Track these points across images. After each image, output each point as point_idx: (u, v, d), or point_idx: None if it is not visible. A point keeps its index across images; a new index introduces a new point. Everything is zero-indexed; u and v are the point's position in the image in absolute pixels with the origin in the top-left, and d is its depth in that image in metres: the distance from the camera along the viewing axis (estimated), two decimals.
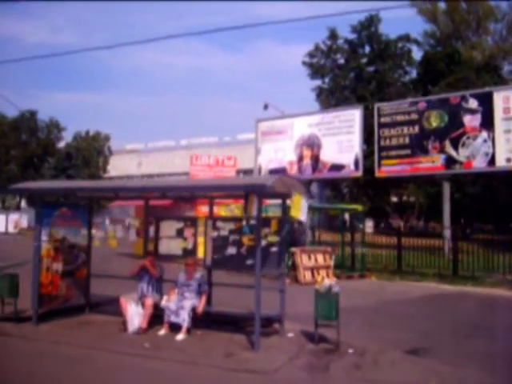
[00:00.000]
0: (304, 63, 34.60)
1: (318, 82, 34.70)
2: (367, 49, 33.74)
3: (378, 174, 23.84)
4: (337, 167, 24.61)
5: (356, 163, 24.16)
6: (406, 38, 34.03)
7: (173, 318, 9.02)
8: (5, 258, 18.70)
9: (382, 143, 23.69)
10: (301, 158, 25.80)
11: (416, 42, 35.33)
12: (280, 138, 26.36)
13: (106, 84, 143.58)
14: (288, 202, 9.10)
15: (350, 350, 8.35)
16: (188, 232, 9.75)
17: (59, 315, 10.05)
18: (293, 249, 16.59)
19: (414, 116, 23.03)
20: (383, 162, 23.60)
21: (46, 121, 50.87)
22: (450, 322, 11.06)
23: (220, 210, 20.53)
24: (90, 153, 48.70)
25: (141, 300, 9.45)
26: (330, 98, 32.55)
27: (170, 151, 75.12)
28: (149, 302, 9.27)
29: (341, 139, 24.58)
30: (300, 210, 8.67)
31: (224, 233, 9.43)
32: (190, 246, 9.75)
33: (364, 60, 33.86)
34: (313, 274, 16.12)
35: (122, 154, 65.77)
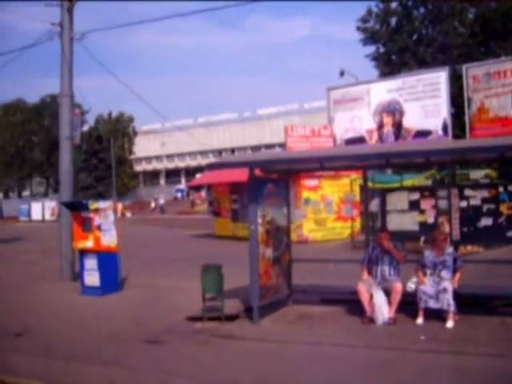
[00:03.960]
0: (358, 28, 33.00)
1: (371, 49, 33.29)
2: (421, 11, 32.08)
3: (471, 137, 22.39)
4: (423, 133, 23.04)
5: (445, 128, 22.66)
6: None
7: (432, 304, 7.69)
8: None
9: (474, 106, 22.21)
10: (381, 126, 24.23)
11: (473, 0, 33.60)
12: (355, 105, 24.73)
13: (107, 66, 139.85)
14: None
15: None
16: (426, 204, 8.32)
17: (264, 309, 8.70)
18: None
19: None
20: (476, 125, 22.15)
21: None
22: None
23: (325, 186, 19.16)
24: (114, 135, 46.84)
25: (381, 285, 8.09)
26: (385, 65, 30.98)
27: (188, 130, 73.33)
28: (398, 287, 7.91)
29: (426, 104, 23.00)
30: None
31: (475, 202, 8.04)
32: (430, 219, 8.32)
33: (420, 23, 32.19)
34: None
35: (140, 135, 63.98)
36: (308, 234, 18.79)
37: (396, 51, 31.94)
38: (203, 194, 61.69)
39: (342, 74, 25.64)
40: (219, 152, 76.64)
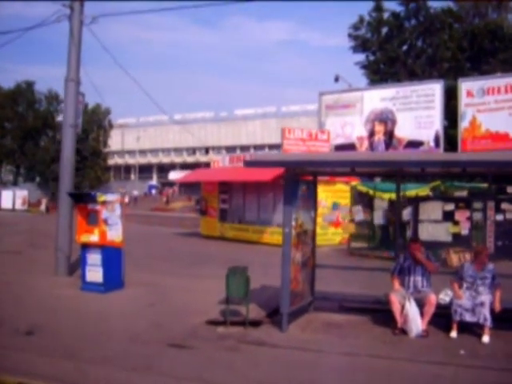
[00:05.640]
0: (349, 36, 33.07)
1: (360, 56, 33.42)
2: (413, 22, 32.32)
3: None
4: (414, 144, 23.19)
5: (436, 140, 22.87)
6: (449, 11, 32.86)
7: (468, 318, 7.54)
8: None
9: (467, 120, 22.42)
10: (372, 134, 24.27)
11: (459, 17, 34.09)
12: (347, 112, 24.73)
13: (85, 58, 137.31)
14: None
15: None
16: (460, 215, 8.16)
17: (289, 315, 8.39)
18: None
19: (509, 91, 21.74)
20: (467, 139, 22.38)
21: (44, 92, 47.43)
22: None
23: (320, 190, 18.85)
24: (90, 126, 45.64)
25: (413, 296, 7.88)
26: (374, 73, 31.16)
27: (163, 126, 72.37)
28: (433, 299, 7.73)
29: (419, 114, 23.18)
30: None
31: None
32: (464, 231, 8.16)
33: (411, 34, 32.41)
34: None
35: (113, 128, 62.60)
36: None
37: (386, 61, 32.11)
38: (176, 190, 60.99)
39: (336, 79, 25.62)
40: (193, 150, 75.98)
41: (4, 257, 15.30)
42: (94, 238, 10.56)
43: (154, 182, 69.29)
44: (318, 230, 19.17)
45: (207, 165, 60.83)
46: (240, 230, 20.65)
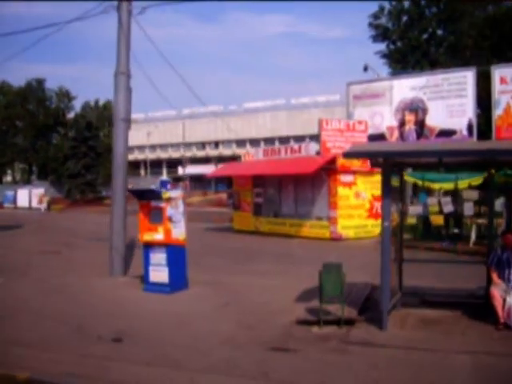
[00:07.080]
0: (370, 25, 32.60)
1: (381, 46, 33.00)
2: (433, 10, 31.84)
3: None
4: (446, 133, 22.77)
5: (469, 128, 22.45)
6: None
7: None
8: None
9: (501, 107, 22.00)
10: (402, 124, 23.86)
11: (482, 4, 33.53)
12: (376, 101, 24.28)
13: (83, 55, 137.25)
14: None
15: None
16: None
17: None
18: None
19: None
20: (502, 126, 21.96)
21: (55, 90, 46.89)
22: None
23: (359, 182, 18.55)
24: (101, 122, 45.24)
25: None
26: (397, 62, 30.76)
27: (172, 121, 71.94)
28: None
29: (451, 103, 22.74)
30: None
31: None
32: None
33: (431, 22, 31.94)
34: None
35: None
36: (342, 231, 18.22)
37: (407, 49, 31.64)
38: (187, 184, 60.62)
39: (365, 69, 25.22)
40: (202, 144, 75.58)
41: (47, 257, 15.02)
42: (158, 236, 10.19)
43: (165, 177, 68.98)
44: (359, 222, 18.98)
45: (220, 159, 60.78)
46: (276, 224, 20.29)
